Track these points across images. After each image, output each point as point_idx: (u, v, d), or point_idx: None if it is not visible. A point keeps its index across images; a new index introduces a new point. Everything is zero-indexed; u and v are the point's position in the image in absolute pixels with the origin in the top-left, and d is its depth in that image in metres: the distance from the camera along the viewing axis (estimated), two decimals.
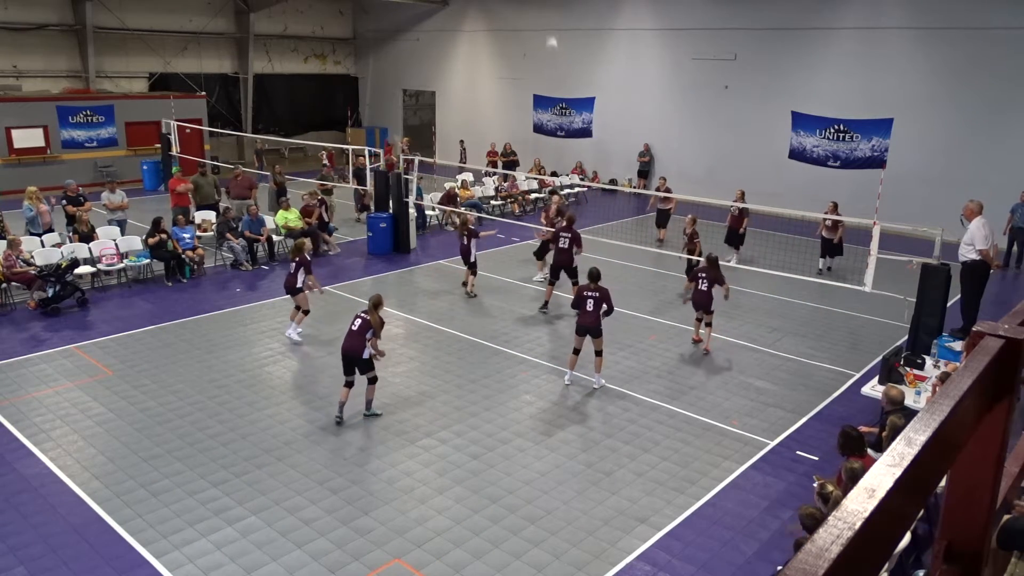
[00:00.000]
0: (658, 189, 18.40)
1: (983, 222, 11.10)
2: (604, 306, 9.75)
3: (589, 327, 9.79)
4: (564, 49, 26.09)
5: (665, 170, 24.10)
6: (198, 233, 15.67)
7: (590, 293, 9.79)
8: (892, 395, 7.44)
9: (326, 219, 17.11)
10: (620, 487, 7.72)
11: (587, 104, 26.09)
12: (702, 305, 11.35)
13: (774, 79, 21.42)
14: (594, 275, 10.01)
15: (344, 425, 8.92)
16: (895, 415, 7.01)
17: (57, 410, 9.14)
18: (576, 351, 10.01)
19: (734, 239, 16.28)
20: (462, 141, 27.71)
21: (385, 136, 31.34)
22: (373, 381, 9.09)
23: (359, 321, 8.95)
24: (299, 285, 11.32)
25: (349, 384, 8.99)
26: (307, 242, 12.02)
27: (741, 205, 15.68)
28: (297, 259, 11.34)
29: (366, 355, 8.90)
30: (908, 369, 8.94)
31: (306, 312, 11.56)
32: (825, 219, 14.85)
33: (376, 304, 9.07)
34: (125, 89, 25.70)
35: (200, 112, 25.39)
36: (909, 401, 8.32)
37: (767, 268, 13.73)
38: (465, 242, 13.66)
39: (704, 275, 11.27)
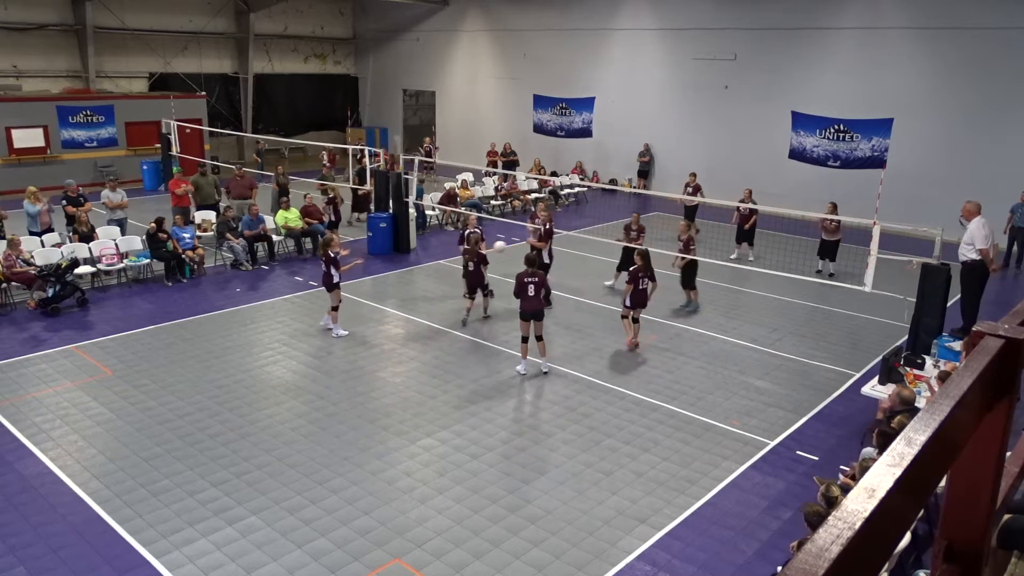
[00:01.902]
0: (687, 185, 18.53)
1: (983, 222, 11.10)
2: (544, 290, 10.23)
3: (535, 311, 10.18)
4: (564, 49, 26.09)
5: (665, 170, 24.16)
6: (198, 233, 15.67)
7: (530, 279, 10.13)
8: (905, 396, 7.29)
9: (332, 218, 17.23)
10: (620, 487, 7.72)
11: (587, 104, 26.09)
12: (641, 303, 11.20)
13: (774, 79, 21.42)
14: (530, 260, 10.43)
15: (345, 425, 8.92)
16: (903, 415, 6.97)
17: (57, 410, 9.14)
18: (526, 339, 10.31)
19: (744, 236, 16.45)
20: (429, 139, 26.57)
21: (385, 136, 31.35)
22: (491, 295, 12.67)
23: (474, 263, 11.71)
24: (336, 280, 11.49)
25: (472, 298, 12.27)
26: (335, 238, 12.13)
27: (751, 206, 15.90)
28: (324, 257, 11.53)
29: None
30: (908, 369, 8.94)
31: (335, 308, 11.72)
32: (824, 219, 14.86)
33: (476, 241, 12.19)
34: (125, 89, 25.70)
35: (200, 112, 25.39)
36: None
37: (767, 268, 13.74)
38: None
39: (643, 274, 11.07)
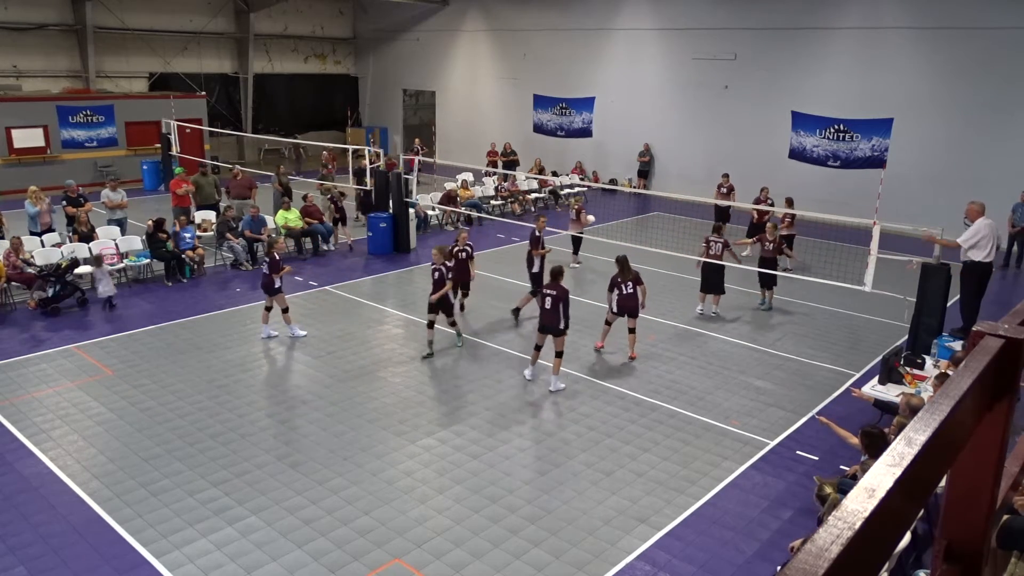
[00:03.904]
0: (720, 187, 18.47)
1: (985, 223, 10.97)
2: (561, 307, 9.65)
3: (547, 326, 9.81)
4: (564, 49, 26.09)
5: (665, 170, 24.16)
6: (198, 233, 15.67)
7: (548, 291, 9.82)
8: (914, 404, 6.98)
9: (336, 216, 17.27)
10: (620, 487, 7.72)
11: (587, 104, 26.09)
12: (629, 309, 10.76)
13: (774, 79, 21.42)
14: (554, 273, 9.97)
15: (345, 425, 8.92)
16: (902, 416, 6.93)
17: (57, 410, 9.14)
18: (539, 347, 10.09)
19: (755, 232, 16.60)
20: (419, 139, 26.00)
21: (385, 136, 31.33)
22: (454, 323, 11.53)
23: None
24: (277, 285, 11.26)
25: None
26: (280, 240, 12.04)
27: (765, 207, 16.03)
28: (268, 258, 11.31)
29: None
30: (908, 369, 8.94)
31: (284, 310, 11.50)
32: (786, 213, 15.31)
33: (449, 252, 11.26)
34: (125, 89, 25.71)
35: (200, 112, 25.40)
36: None
37: (759, 278, 13.72)
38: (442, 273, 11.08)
39: (621, 279, 10.76)
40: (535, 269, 12.50)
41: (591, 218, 15.20)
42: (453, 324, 11.39)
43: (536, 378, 10.21)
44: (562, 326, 9.79)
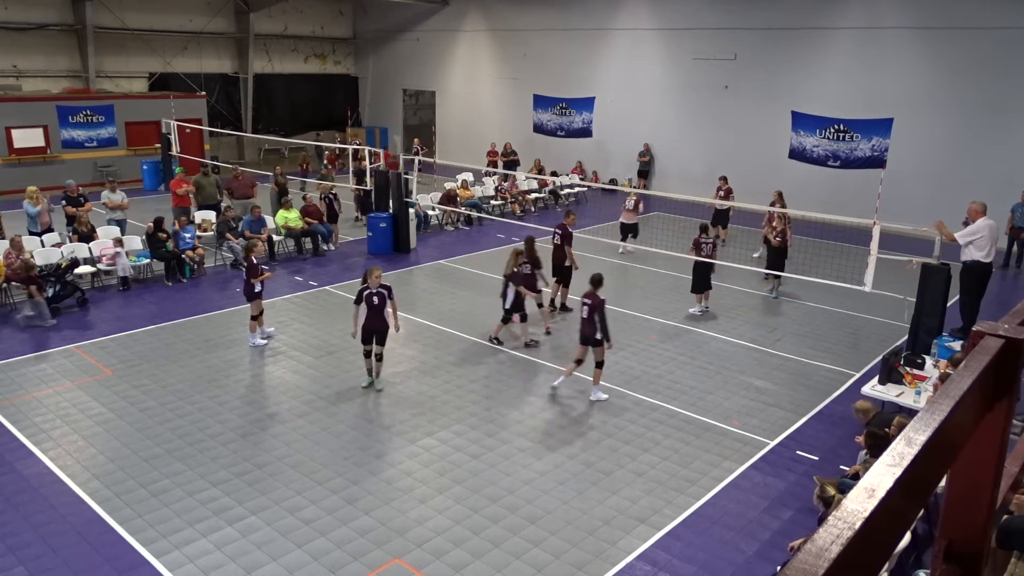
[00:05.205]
0: (718, 189, 18.37)
1: (986, 223, 10.96)
2: (597, 318, 9.25)
3: (585, 336, 9.46)
4: (564, 49, 26.09)
5: (665, 170, 24.15)
6: (198, 233, 15.67)
7: (585, 300, 9.46)
8: (859, 407, 7.77)
9: (337, 211, 17.34)
10: (620, 487, 7.72)
11: (587, 104, 26.09)
12: (531, 287, 11.01)
13: (774, 79, 21.42)
14: (593, 281, 9.59)
15: (345, 424, 8.92)
16: (901, 415, 7.02)
17: (57, 410, 9.14)
18: (578, 361, 9.67)
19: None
20: (418, 139, 26.32)
21: (385, 136, 31.35)
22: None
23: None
24: (257, 290, 11.06)
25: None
26: (258, 243, 11.95)
27: (778, 209, 15.91)
28: (247, 262, 11.21)
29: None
30: (908, 369, 8.94)
31: (254, 317, 11.25)
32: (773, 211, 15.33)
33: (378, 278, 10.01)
34: (125, 89, 25.71)
35: (200, 112, 25.39)
36: (909, 401, 8.34)
37: (766, 268, 13.74)
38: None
39: (525, 260, 11.45)
40: (566, 263, 12.86)
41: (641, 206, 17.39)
42: (379, 359, 9.91)
43: (558, 390, 9.78)
44: (599, 337, 9.34)
